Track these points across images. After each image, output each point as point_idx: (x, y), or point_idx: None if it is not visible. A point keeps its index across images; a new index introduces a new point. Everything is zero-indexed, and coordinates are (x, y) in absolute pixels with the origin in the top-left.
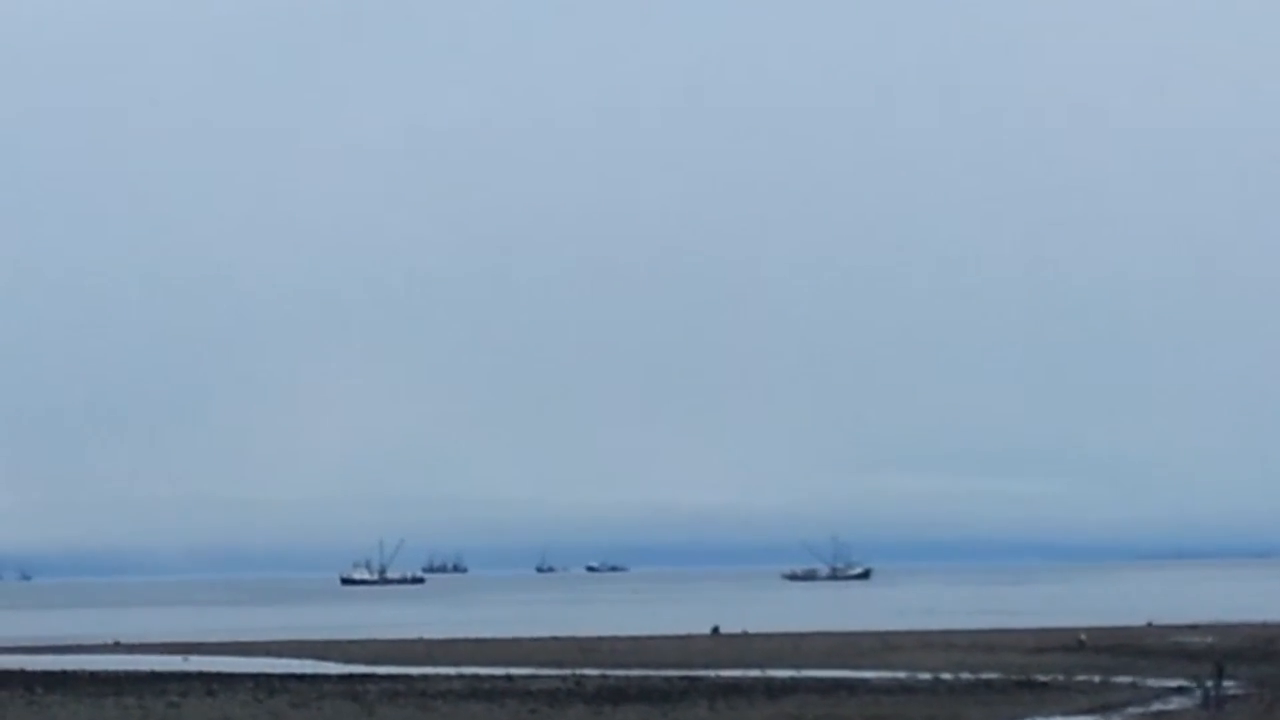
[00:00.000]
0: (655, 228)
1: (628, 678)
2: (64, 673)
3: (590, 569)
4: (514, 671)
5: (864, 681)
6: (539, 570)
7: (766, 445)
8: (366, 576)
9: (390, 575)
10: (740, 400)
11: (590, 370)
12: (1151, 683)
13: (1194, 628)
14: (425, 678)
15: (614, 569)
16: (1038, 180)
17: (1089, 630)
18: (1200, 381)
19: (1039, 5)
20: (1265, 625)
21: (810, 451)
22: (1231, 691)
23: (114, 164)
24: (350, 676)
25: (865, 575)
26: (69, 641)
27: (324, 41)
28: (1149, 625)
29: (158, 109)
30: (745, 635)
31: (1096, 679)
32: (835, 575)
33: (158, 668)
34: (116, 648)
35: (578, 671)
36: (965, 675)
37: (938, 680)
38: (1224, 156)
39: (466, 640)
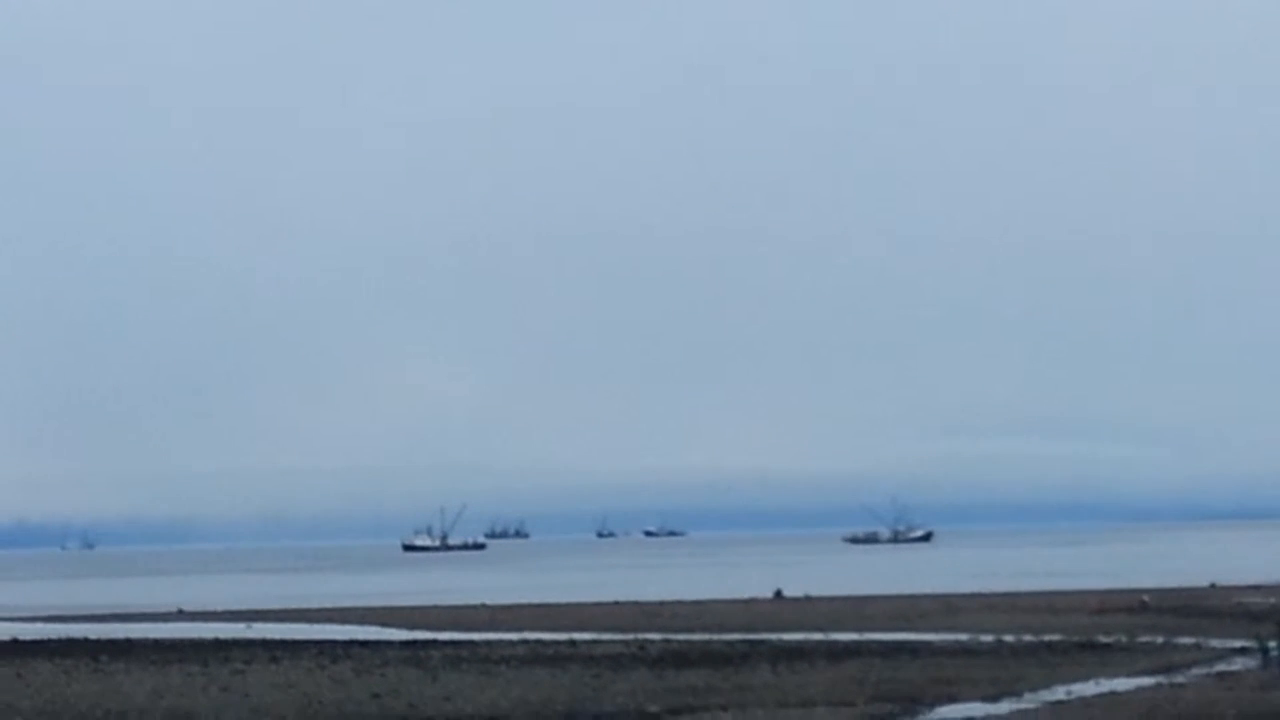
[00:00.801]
0: (709, 196)
1: (690, 642)
2: (128, 641)
3: (648, 534)
4: (576, 636)
5: (926, 644)
6: (599, 535)
7: (826, 409)
8: (428, 543)
9: (452, 541)
10: (798, 365)
11: (650, 336)
12: (1215, 643)
13: (1257, 588)
14: (488, 643)
15: (672, 534)
16: (1085, 147)
17: (1151, 591)
18: (1264, 344)
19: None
20: None
21: (870, 415)
22: None
23: (176, 146)
24: (413, 643)
25: (927, 538)
26: (133, 610)
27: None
28: (1212, 586)
29: (195, 88)
30: (807, 598)
31: (1159, 640)
32: (897, 538)
33: (221, 635)
34: (180, 615)
35: (640, 636)
36: (1027, 637)
37: (1000, 642)
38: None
39: (529, 606)
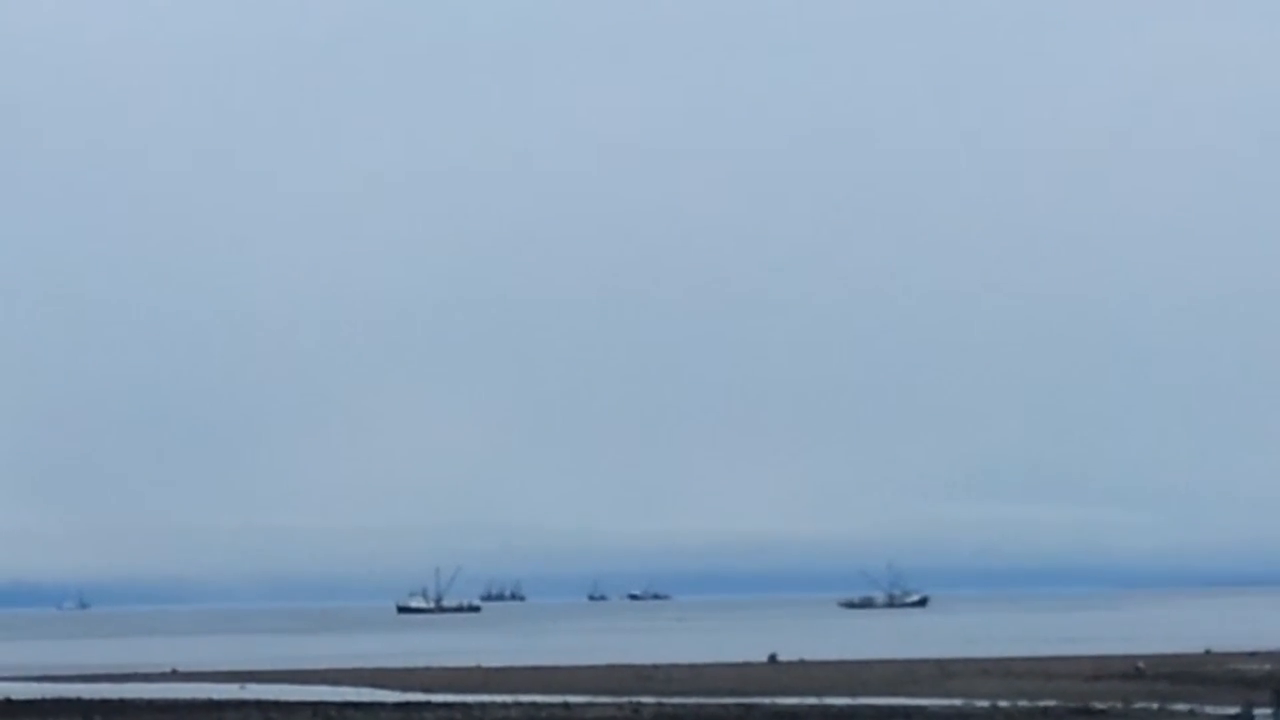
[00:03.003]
0: (705, 254)
1: (685, 705)
2: (122, 701)
3: (633, 597)
4: (570, 699)
5: (921, 709)
6: (591, 598)
7: (821, 473)
8: (423, 605)
9: (446, 603)
10: (794, 429)
11: (644, 398)
12: (1210, 710)
13: (1253, 654)
14: (482, 706)
15: (656, 597)
16: (1089, 208)
17: (1147, 658)
18: (1265, 407)
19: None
20: None
21: (866, 479)
22: None
23: (163, 184)
24: (407, 704)
25: (922, 603)
26: (126, 670)
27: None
28: (1207, 652)
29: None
30: (803, 663)
31: (1155, 706)
32: (892, 603)
33: (215, 695)
34: (174, 676)
35: (634, 699)
36: (1023, 703)
37: (995, 708)
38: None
39: (523, 668)
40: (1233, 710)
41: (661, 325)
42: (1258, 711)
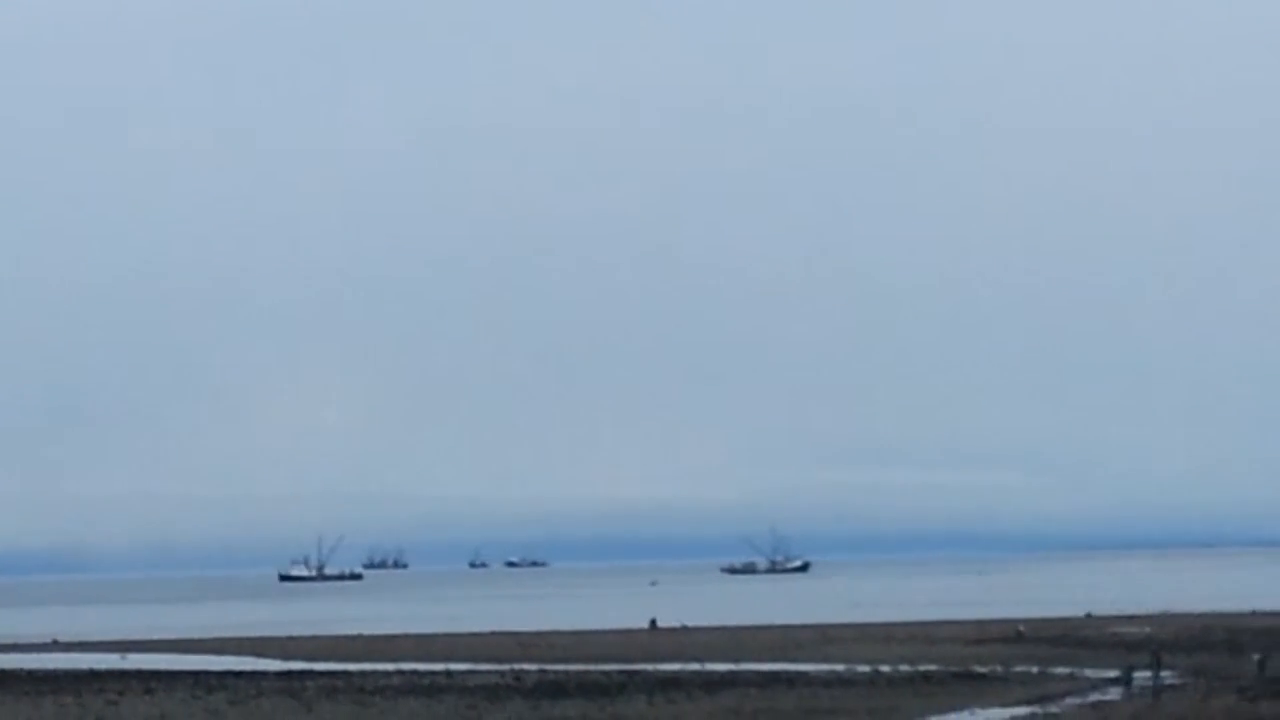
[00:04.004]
0: (593, 225)
1: (566, 672)
2: (1, 671)
3: (511, 564)
4: (453, 667)
5: (802, 674)
6: (472, 565)
7: (705, 439)
8: (305, 573)
9: (328, 571)
10: (678, 395)
11: (528, 367)
12: (1089, 673)
13: (1132, 618)
14: (364, 674)
15: (534, 564)
16: (985, 182)
17: (1028, 621)
18: (1142, 375)
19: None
20: (1202, 615)
21: (749, 445)
22: (1169, 681)
23: (71, 166)
24: (289, 673)
25: (804, 568)
26: (7, 640)
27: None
28: (1087, 616)
29: (106, 111)
30: (684, 629)
31: (1035, 670)
32: (774, 568)
33: (96, 666)
34: (55, 646)
35: (516, 666)
36: (904, 667)
37: (876, 672)
38: (1195, 156)
39: (405, 636)
40: (1112, 673)
41: (543, 295)
42: (1136, 674)
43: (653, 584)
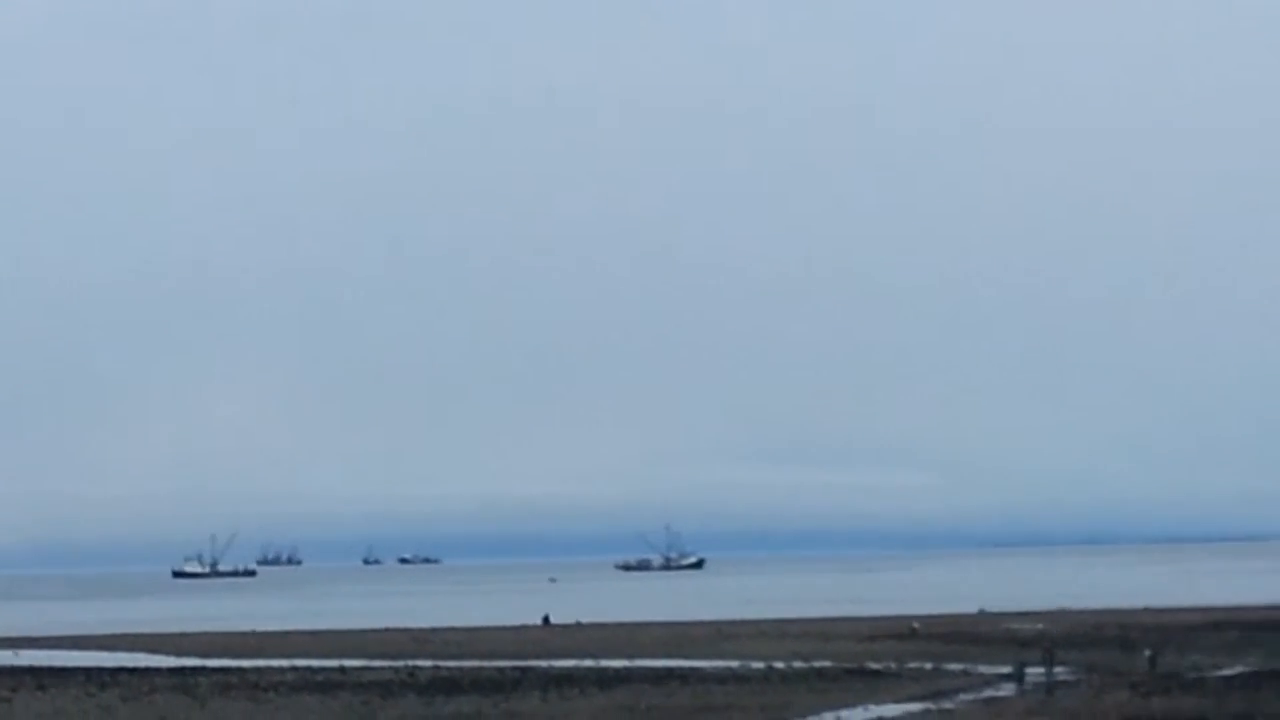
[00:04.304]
0: (482, 221)
1: (460, 668)
2: None
3: (403, 560)
4: (347, 663)
5: (696, 671)
6: (365, 562)
7: (600, 437)
8: (198, 569)
9: (222, 568)
10: (573, 392)
11: (420, 365)
12: (983, 669)
13: (1025, 614)
14: (258, 670)
15: (427, 560)
16: (876, 176)
17: (921, 618)
18: (1031, 374)
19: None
20: (1094, 612)
21: (644, 443)
22: (1062, 677)
23: None
24: (182, 669)
25: (699, 565)
26: None
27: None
28: (981, 613)
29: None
30: (578, 625)
31: (928, 666)
32: (669, 565)
33: None
34: None
35: (411, 663)
36: (798, 663)
37: (770, 669)
38: (1088, 154)
39: (299, 632)
40: (1005, 669)
41: (435, 292)
42: (1029, 670)
43: (551, 580)
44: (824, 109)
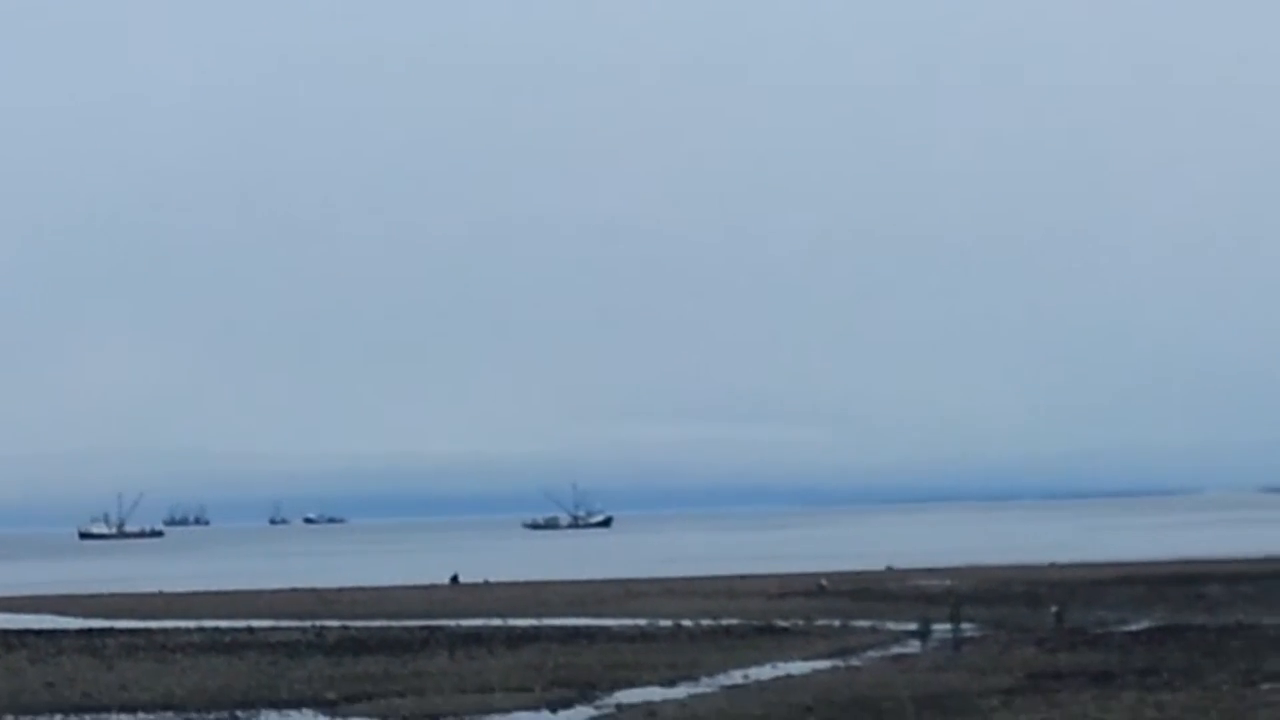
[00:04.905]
0: (400, 185)
1: (368, 628)
2: None
3: (308, 520)
4: (254, 624)
5: (604, 629)
6: (272, 522)
7: (504, 395)
8: (105, 530)
9: (129, 529)
10: (477, 350)
11: (329, 323)
12: (891, 626)
13: (932, 571)
14: (164, 631)
15: (332, 520)
16: (777, 131)
17: (830, 575)
18: (943, 332)
19: None
20: (1001, 568)
21: (550, 401)
22: (969, 633)
23: None
24: (89, 631)
25: (607, 523)
26: None
27: None
28: (888, 569)
29: None
30: (485, 584)
31: (837, 623)
32: (576, 524)
33: None
34: None
35: (318, 623)
36: (706, 621)
37: (678, 627)
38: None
39: (206, 593)
40: (912, 626)
41: (349, 255)
42: (935, 627)
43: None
44: (736, 64)
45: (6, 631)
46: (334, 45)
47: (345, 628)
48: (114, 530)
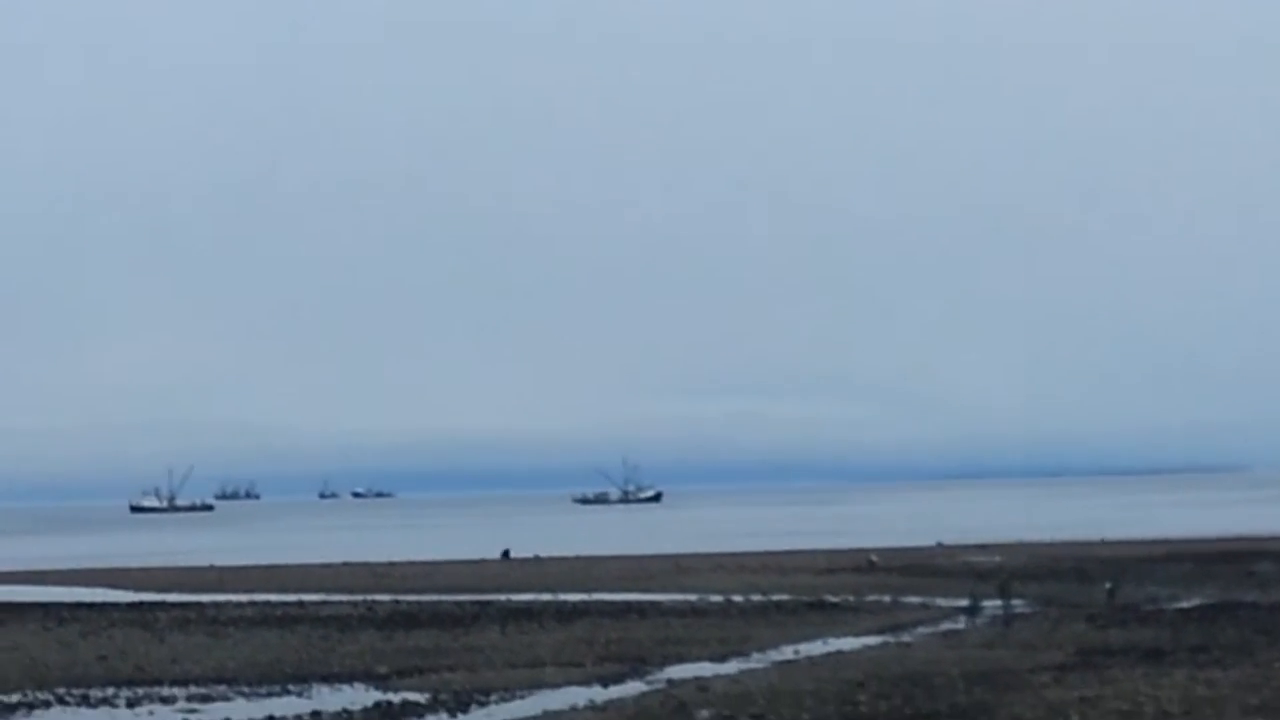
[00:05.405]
0: (443, 157)
1: (419, 603)
2: None
3: (356, 495)
4: (305, 598)
5: (655, 604)
6: (322, 496)
7: (556, 370)
8: (156, 504)
9: (180, 502)
10: (529, 326)
11: (378, 296)
12: (941, 602)
13: (982, 547)
14: (215, 605)
15: (380, 494)
16: (826, 108)
17: (879, 551)
18: (989, 305)
19: None
20: (1051, 544)
21: (601, 375)
22: (1019, 610)
23: None
24: (140, 604)
25: (656, 498)
26: None
27: None
28: (938, 545)
29: None
30: (536, 559)
31: (887, 599)
32: (626, 498)
33: None
34: None
35: (369, 597)
36: (756, 597)
37: (728, 602)
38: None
39: (257, 567)
40: (963, 602)
41: (392, 223)
42: (986, 603)
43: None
44: (764, 42)
45: (59, 605)
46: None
47: (396, 602)
48: (165, 504)
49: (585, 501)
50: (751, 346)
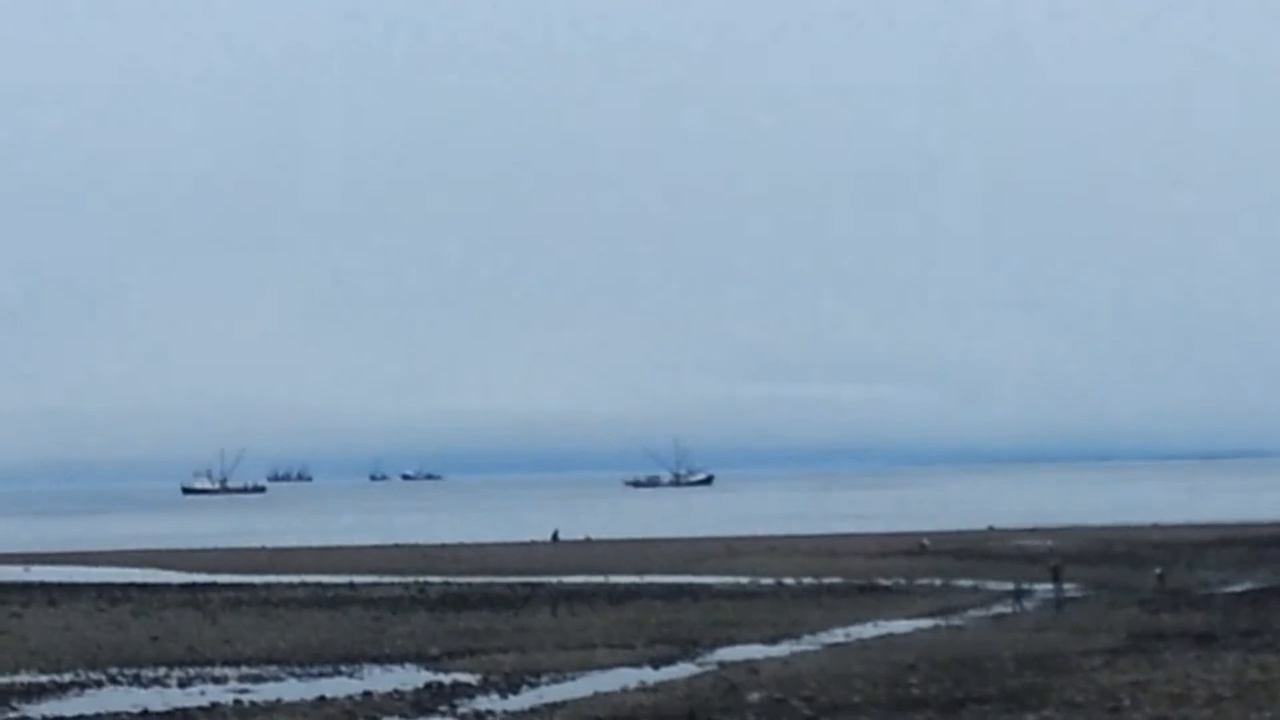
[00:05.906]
0: (488, 135)
1: (470, 584)
2: None
3: (406, 477)
4: (356, 579)
5: (706, 587)
6: (372, 478)
7: (606, 351)
8: (208, 485)
9: (231, 484)
10: (581, 308)
11: (428, 278)
12: (992, 586)
13: (1033, 531)
14: (267, 586)
15: (429, 477)
16: (886, 97)
17: (931, 534)
18: (1040, 289)
19: None
20: (1104, 528)
21: (652, 357)
22: (1071, 594)
23: None
24: (193, 585)
25: (708, 481)
26: None
27: None
28: (990, 529)
29: None
30: (587, 541)
31: (938, 582)
32: (678, 482)
33: None
34: None
35: (420, 579)
36: (807, 580)
37: (780, 585)
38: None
39: (308, 549)
40: (1013, 586)
41: (444, 203)
42: (1037, 587)
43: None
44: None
45: (111, 585)
46: None
47: (448, 584)
48: (217, 485)
49: (637, 485)
50: (807, 330)
